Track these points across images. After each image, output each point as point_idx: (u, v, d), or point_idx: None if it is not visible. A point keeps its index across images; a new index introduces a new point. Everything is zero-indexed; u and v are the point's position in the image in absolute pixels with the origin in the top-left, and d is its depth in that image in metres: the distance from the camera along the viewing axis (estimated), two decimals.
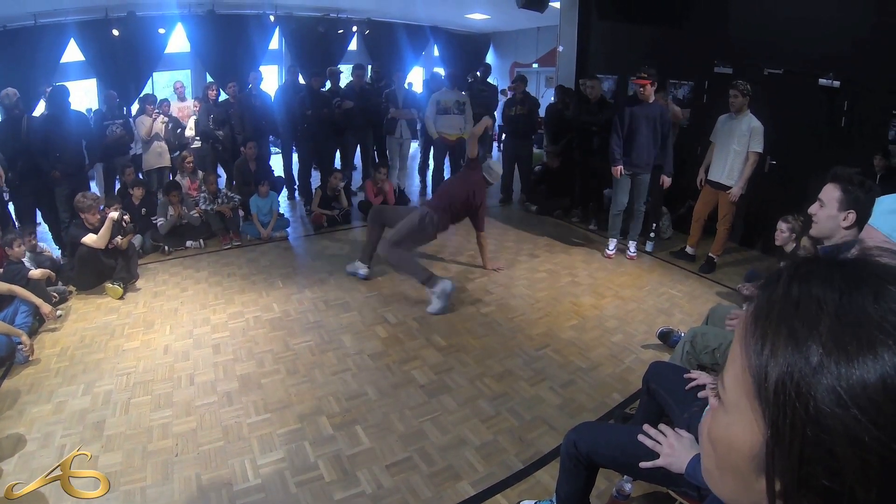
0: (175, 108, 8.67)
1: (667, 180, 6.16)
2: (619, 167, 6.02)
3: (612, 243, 6.53)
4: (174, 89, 9.29)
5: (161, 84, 11.90)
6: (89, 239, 5.35)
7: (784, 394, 0.47)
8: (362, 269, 5.80)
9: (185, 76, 12.47)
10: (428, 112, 8.14)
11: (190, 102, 9.19)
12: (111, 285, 5.35)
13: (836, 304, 0.47)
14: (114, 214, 5.46)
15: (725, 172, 5.74)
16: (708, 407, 0.63)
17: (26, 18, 9.26)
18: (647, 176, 6.13)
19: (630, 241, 6.49)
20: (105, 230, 5.37)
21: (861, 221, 2.31)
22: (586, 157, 7.51)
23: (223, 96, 8.92)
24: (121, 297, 5.32)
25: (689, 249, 6.41)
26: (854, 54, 5.59)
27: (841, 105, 5.82)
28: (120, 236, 5.52)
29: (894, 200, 1.81)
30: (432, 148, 8.94)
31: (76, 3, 9.24)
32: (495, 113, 9.74)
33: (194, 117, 8.66)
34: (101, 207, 5.67)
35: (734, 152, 5.63)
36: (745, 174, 5.61)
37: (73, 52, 10.22)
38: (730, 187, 5.71)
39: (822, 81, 5.82)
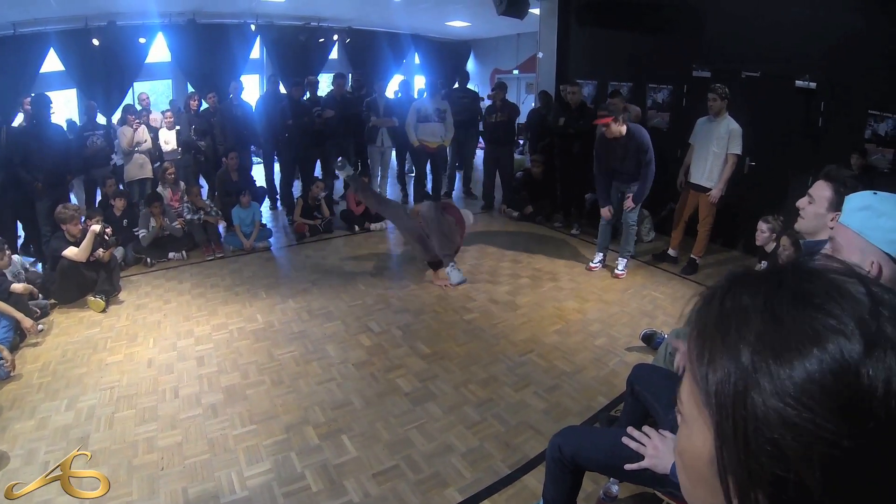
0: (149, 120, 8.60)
1: (629, 204, 5.85)
2: (607, 209, 6.00)
3: (598, 256, 6.34)
4: (139, 101, 9.16)
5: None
6: (70, 252, 5.30)
7: (724, 395, 0.51)
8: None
9: (166, 86, 12.42)
10: (409, 120, 8.15)
11: (158, 114, 9.09)
12: (93, 298, 5.30)
13: (761, 309, 0.51)
14: (95, 227, 5.42)
15: (705, 174, 5.79)
16: None
17: (5, 27, 9.16)
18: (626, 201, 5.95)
19: (619, 258, 6.20)
20: (86, 243, 5.33)
21: None
22: (567, 162, 7.55)
23: (204, 106, 8.87)
24: (103, 311, 5.28)
25: (671, 251, 6.46)
26: (829, 56, 5.68)
27: (818, 106, 5.91)
28: (102, 249, 5.47)
29: (863, 198, 1.83)
30: (412, 156, 8.95)
31: (56, 12, 9.16)
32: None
33: (165, 130, 8.54)
34: (83, 219, 5.61)
35: (713, 154, 5.69)
36: (724, 176, 5.66)
37: (52, 62, 10.13)
38: (710, 189, 5.76)
39: (798, 83, 5.92)
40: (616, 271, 6.14)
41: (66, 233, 5.40)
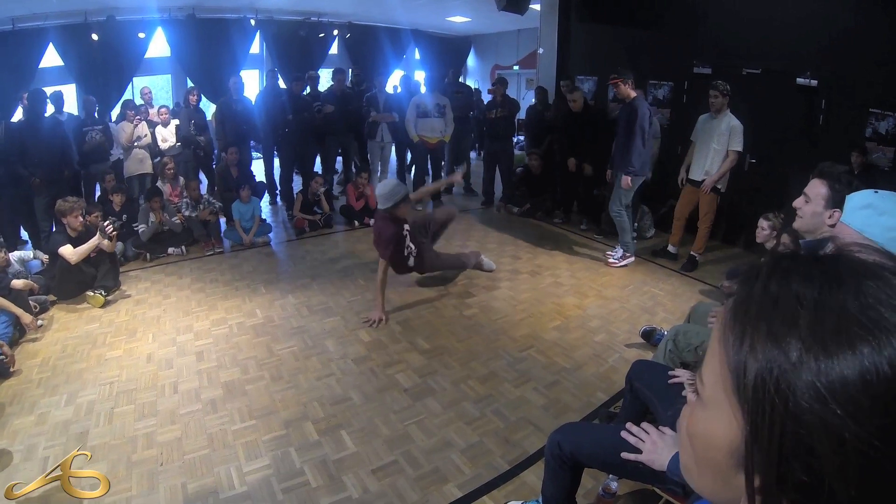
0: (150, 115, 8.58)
1: (623, 179, 5.94)
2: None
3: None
4: (141, 95, 9.15)
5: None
6: (66, 250, 5.27)
7: (763, 390, 0.47)
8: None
9: (165, 81, 12.40)
10: (408, 115, 8.14)
11: (155, 110, 9.08)
12: (92, 294, 5.29)
13: (814, 300, 0.47)
14: (105, 243, 5.40)
15: (705, 171, 5.79)
16: (687, 402, 0.64)
17: (4, 22, 9.15)
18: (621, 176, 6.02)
19: (616, 247, 6.38)
20: (85, 249, 5.30)
21: None
22: (566, 158, 7.54)
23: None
24: (102, 306, 5.27)
25: (671, 248, 6.46)
26: (831, 53, 5.67)
27: (819, 103, 5.90)
28: (107, 240, 5.44)
29: (864, 197, 1.83)
30: (412, 151, 8.94)
31: (55, 7, 9.15)
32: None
33: (162, 128, 8.52)
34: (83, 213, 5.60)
35: (714, 151, 5.69)
36: (721, 170, 5.66)
37: (52, 57, 10.12)
38: None
39: (799, 80, 5.91)
40: (610, 260, 6.36)
41: (66, 227, 5.38)
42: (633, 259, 6.32)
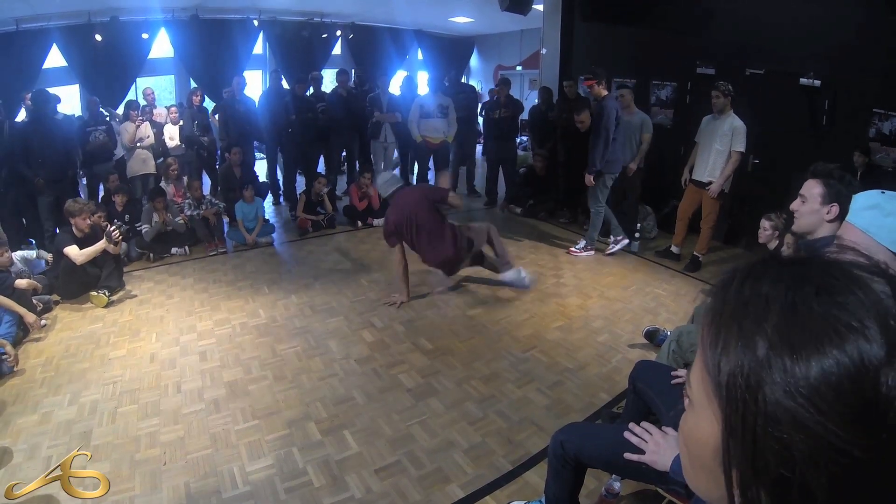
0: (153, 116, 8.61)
1: (586, 178, 6.28)
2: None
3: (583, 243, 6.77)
4: (144, 96, 9.18)
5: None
6: (72, 251, 5.28)
7: (735, 387, 0.49)
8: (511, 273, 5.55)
9: (168, 81, 12.43)
10: (411, 116, 8.14)
11: (163, 110, 9.11)
12: (96, 293, 5.30)
13: (782, 301, 0.49)
14: (111, 247, 5.40)
15: (707, 171, 5.79)
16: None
17: (8, 23, 9.18)
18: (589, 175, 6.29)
19: (582, 239, 6.74)
20: (91, 252, 5.30)
21: (844, 214, 2.33)
22: (571, 157, 7.53)
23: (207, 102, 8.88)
24: (106, 306, 5.28)
25: (674, 248, 6.45)
26: (834, 54, 5.66)
27: (821, 104, 5.89)
28: (113, 245, 5.44)
29: (870, 197, 1.83)
30: (415, 151, 8.93)
31: (59, 8, 9.17)
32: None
33: (170, 126, 8.57)
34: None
35: (716, 151, 5.68)
36: (725, 171, 5.65)
37: (55, 58, 10.15)
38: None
39: (802, 81, 5.90)
40: (571, 248, 6.71)
41: (73, 227, 5.39)
42: (592, 252, 6.67)
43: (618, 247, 6.55)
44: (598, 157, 6.09)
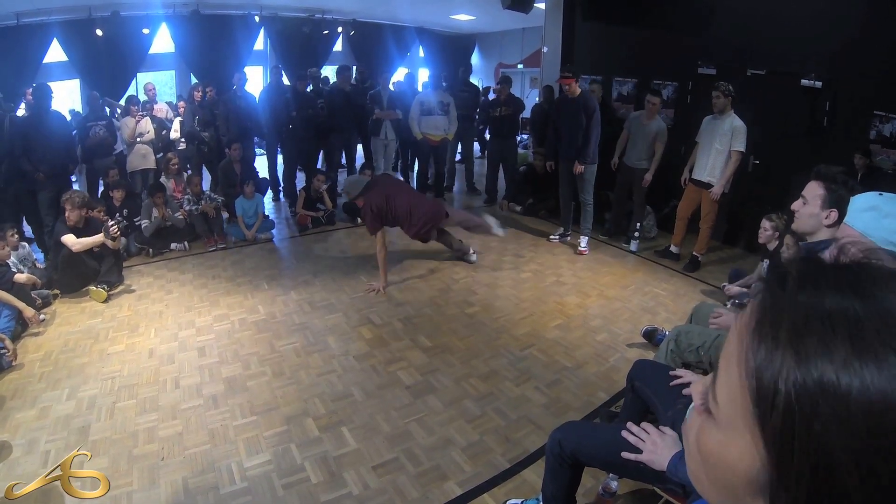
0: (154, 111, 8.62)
1: (577, 167, 6.40)
2: (551, 162, 7.10)
3: (559, 231, 7.15)
4: (145, 91, 9.18)
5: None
6: (69, 239, 5.28)
7: (792, 424, 0.42)
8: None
9: (169, 77, 12.42)
10: (412, 113, 8.13)
11: (163, 105, 9.12)
12: (95, 288, 5.31)
13: (850, 321, 0.43)
14: (109, 242, 5.42)
15: (707, 171, 5.79)
16: (692, 406, 0.60)
17: (9, 18, 9.18)
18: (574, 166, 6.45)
19: (581, 236, 6.76)
20: (88, 242, 5.32)
21: (843, 219, 2.33)
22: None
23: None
24: (105, 301, 5.28)
25: (673, 248, 6.45)
26: (835, 55, 5.66)
27: (822, 105, 5.88)
28: (111, 240, 5.45)
29: (868, 199, 1.84)
30: (415, 148, 8.93)
31: (60, 3, 9.17)
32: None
33: (178, 119, 8.63)
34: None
35: (716, 151, 5.68)
36: (726, 173, 5.65)
37: (56, 52, 10.14)
38: (711, 185, 5.75)
39: (804, 82, 5.89)
40: (579, 248, 6.69)
41: (69, 219, 5.40)
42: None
43: (587, 247, 6.76)
44: (593, 149, 6.33)
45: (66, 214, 5.36)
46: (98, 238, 5.35)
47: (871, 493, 0.39)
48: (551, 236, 7.08)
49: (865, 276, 0.46)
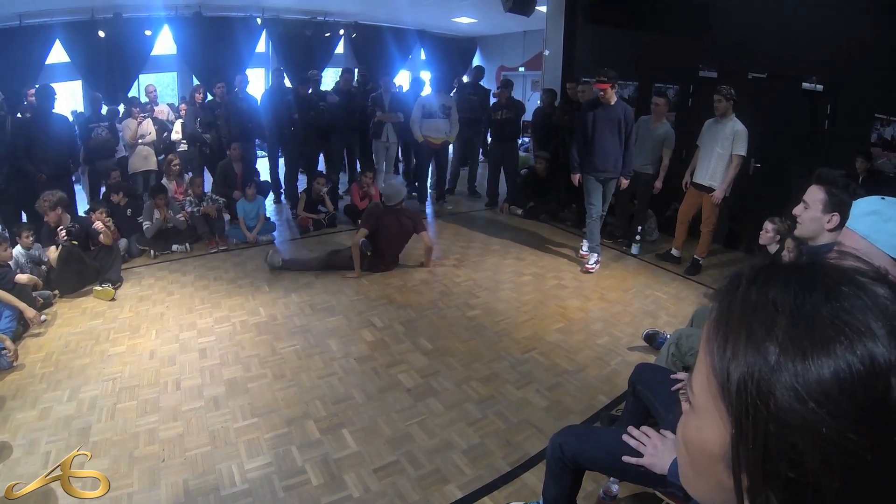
0: (155, 112, 8.65)
1: (623, 182, 6.07)
2: (578, 175, 6.09)
3: (595, 257, 6.26)
4: (146, 93, 9.20)
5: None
6: (51, 253, 5.44)
7: (746, 392, 0.49)
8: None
9: (171, 78, 12.44)
10: (413, 116, 8.13)
11: (164, 107, 9.15)
12: (100, 288, 5.32)
13: (790, 306, 0.50)
14: (101, 236, 5.57)
15: (709, 175, 5.79)
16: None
17: (11, 19, 9.20)
18: (615, 181, 6.10)
19: (590, 250, 6.31)
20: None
21: (845, 223, 2.33)
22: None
23: (210, 98, 8.88)
24: (112, 299, 5.30)
25: (674, 251, 6.45)
26: (836, 58, 5.67)
27: (824, 108, 5.90)
28: (102, 236, 5.51)
29: (870, 203, 1.83)
30: (417, 152, 8.93)
31: (62, 4, 9.18)
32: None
33: (179, 120, 8.65)
34: (87, 211, 5.66)
35: (717, 155, 5.69)
36: (728, 177, 5.66)
37: (58, 54, 10.16)
38: (713, 189, 5.76)
39: (805, 85, 5.91)
40: (587, 265, 6.23)
41: (51, 221, 5.53)
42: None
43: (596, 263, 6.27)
44: (631, 163, 6.05)
45: (45, 219, 5.47)
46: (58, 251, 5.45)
47: (820, 448, 0.46)
48: (587, 265, 6.25)
49: (812, 272, 0.53)
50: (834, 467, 0.45)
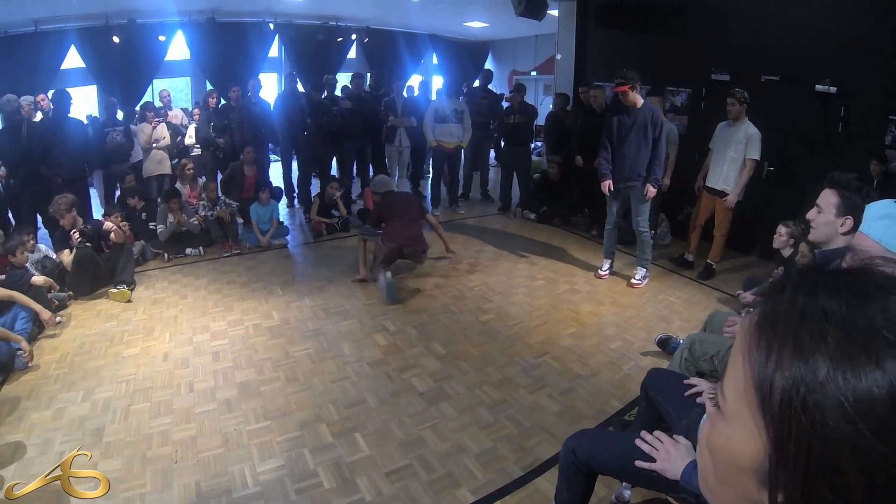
0: (169, 117, 8.72)
1: (651, 191, 5.58)
2: (608, 182, 5.70)
3: (606, 264, 6.15)
4: (160, 98, 9.27)
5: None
6: (65, 257, 5.50)
7: (790, 407, 0.46)
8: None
9: (185, 83, 12.54)
10: (426, 120, 8.15)
11: (178, 111, 9.22)
12: (116, 290, 5.38)
13: (842, 316, 0.46)
14: (112, 234, 5.63)
15: (722, 179, 5.76)
16: (706, 415, 0.62)
17: (27, 24, 9.30)
18: (640, 190, 5.63)
19: (638, 267, 6.00)
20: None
21: (859, 226, 2.31)
22: (588, 163, 7.54)
23: (223, 103, 8.94)
24: (128, 301, 5.36)
25: (688, 256, 6.42)
26: (850, 60, 5.62)
27: (837, 111, 5.85)
28: (114, 234, 5.61)
29: (884, 206, 1.82)
30: (431, 156, 8.94)
31: (77, 10, 9.27)
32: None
33: (193, 125, 8.71)
34: (103, 215, 5.73)
35: (731, 159, 5.66)
36: (741, 181, 5.62)
37: (73, 59, 10.27)
38: (726, 193, 5.72)
39: (818, 87, 5.86)
40: (633, 280, 5.93)
41: (66, 223, 5.59)
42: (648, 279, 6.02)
43: (646, 282, 5.96)
44: (660, 170, 5.57)
45: (60, 223, 5.54)
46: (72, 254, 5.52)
47: (865, 472, 0.42)
48: (600, 271, 6.14)
49: (861, 279, 0.49)
50: (878, 494, 0.42)
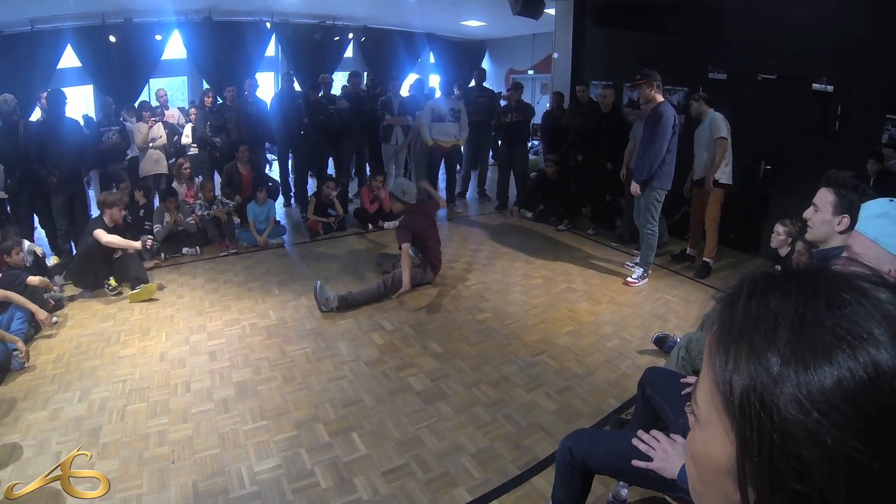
0: (165, 116, 8.71)
1: (634, 187, 5.68)
2: (637, 185, 5.68)
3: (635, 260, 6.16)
4: (157, 97, 9.26)
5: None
6: (101, 233, 5.46)
7: (749, 405, 0.49)
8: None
9: (181, 83, 12.51)
10: (423, 119, 8.14)
11: (175, 111, 9.20)
12: (136, 290, 5.43)
13: (791, 316, 0.49)
14: (137, 244, 5.74)
15: (702, 169, 5.97)
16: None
17: (23, 24, 9.26)
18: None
19: (635, 266, 6.07)
20: (118, 241, 5.54)
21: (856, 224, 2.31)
22: (584, 163, 7.55)
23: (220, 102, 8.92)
24: (159, 289, 5.63)
25: (689, 251, 6.49)
26: (847, 59, 5.63)
27: (834, 109, 5.86)
28: (149, 255, 5.95)
29: (879, 205, 1.82)
30: (429, 156, 8.93)
31: (73, 9, 9.24)
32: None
33: (189, 124, 8.69)
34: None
35: (705, 147, 5.89)
36: (716, 163, 5.78)
37: (69, 58, 10.23)
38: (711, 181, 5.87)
39: (815, 86, 5.88)
40: (628, 279, 5.94)
41: (108, 217, 5.59)
42: (647, 281, 5.95)
43: (642, 283, 5.91)
44: (647, 166, 5.48)
45: (110, 213, 5.60)
46: (130, 244, 5.63)
47: (825, 458, 0.45)
48: (630, 277, 5.97)
49: (812, 279, 0.52)
50: (840, 477, 0.44)
